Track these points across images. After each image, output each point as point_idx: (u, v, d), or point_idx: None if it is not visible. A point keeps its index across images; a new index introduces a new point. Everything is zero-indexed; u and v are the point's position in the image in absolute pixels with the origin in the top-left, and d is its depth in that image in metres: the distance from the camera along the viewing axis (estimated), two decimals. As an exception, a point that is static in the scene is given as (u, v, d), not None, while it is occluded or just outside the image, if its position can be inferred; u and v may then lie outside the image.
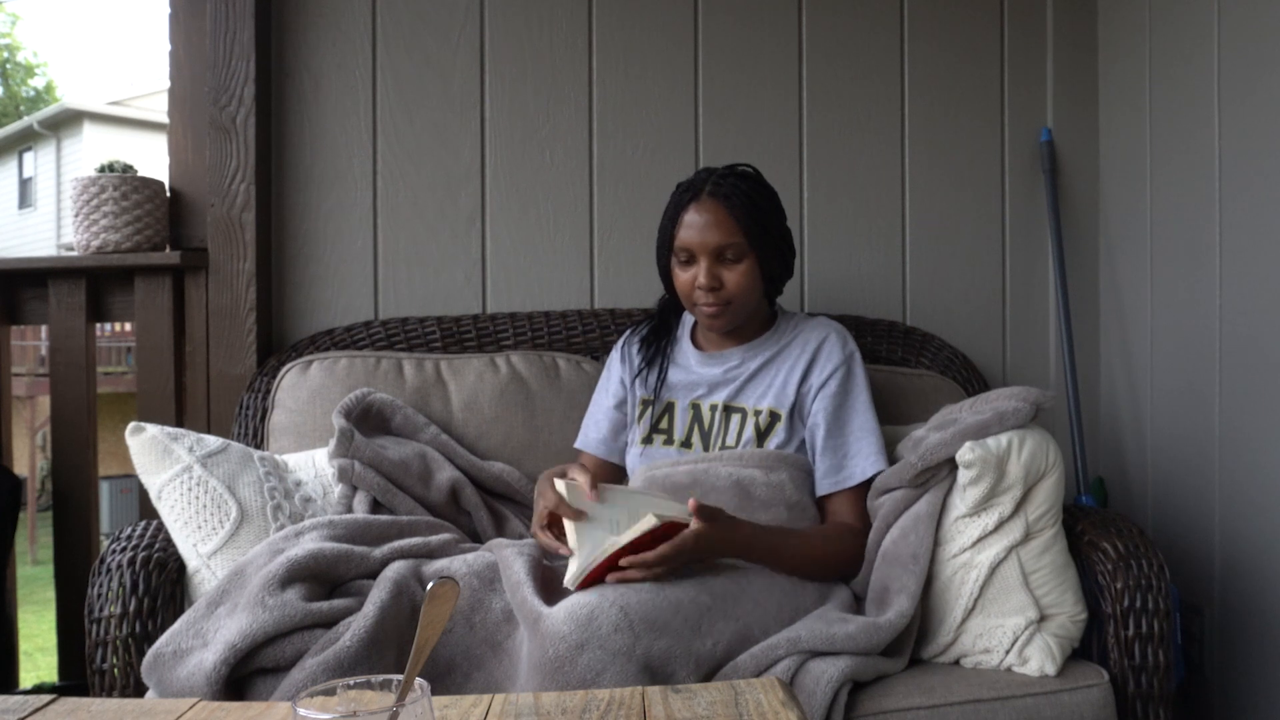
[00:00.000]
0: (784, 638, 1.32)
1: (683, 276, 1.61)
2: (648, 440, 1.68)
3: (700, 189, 1.59)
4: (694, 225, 1.58)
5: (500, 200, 2.08)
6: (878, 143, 2.19)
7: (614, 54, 2.11)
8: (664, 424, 1.68)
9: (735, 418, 1.63)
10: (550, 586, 1.36)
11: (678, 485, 1.57)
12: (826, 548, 1.52)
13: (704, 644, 1.27)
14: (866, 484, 1.59)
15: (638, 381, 1.73)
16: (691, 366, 1.70)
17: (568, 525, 1.39)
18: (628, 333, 1.81)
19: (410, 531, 1.51)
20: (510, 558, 1.37)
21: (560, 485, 1.42)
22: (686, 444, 1.65)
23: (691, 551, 1.35)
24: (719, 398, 1.66)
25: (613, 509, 1.41)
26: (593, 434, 1.77)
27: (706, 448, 1.63)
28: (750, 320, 1.67)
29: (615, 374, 1.77)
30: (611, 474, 1.73)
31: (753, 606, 1.36)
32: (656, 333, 1.76)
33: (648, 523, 1.32)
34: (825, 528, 1.58)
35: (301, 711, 0.74)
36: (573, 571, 1.34)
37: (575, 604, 1.23)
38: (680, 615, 1.27)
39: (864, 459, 1.59)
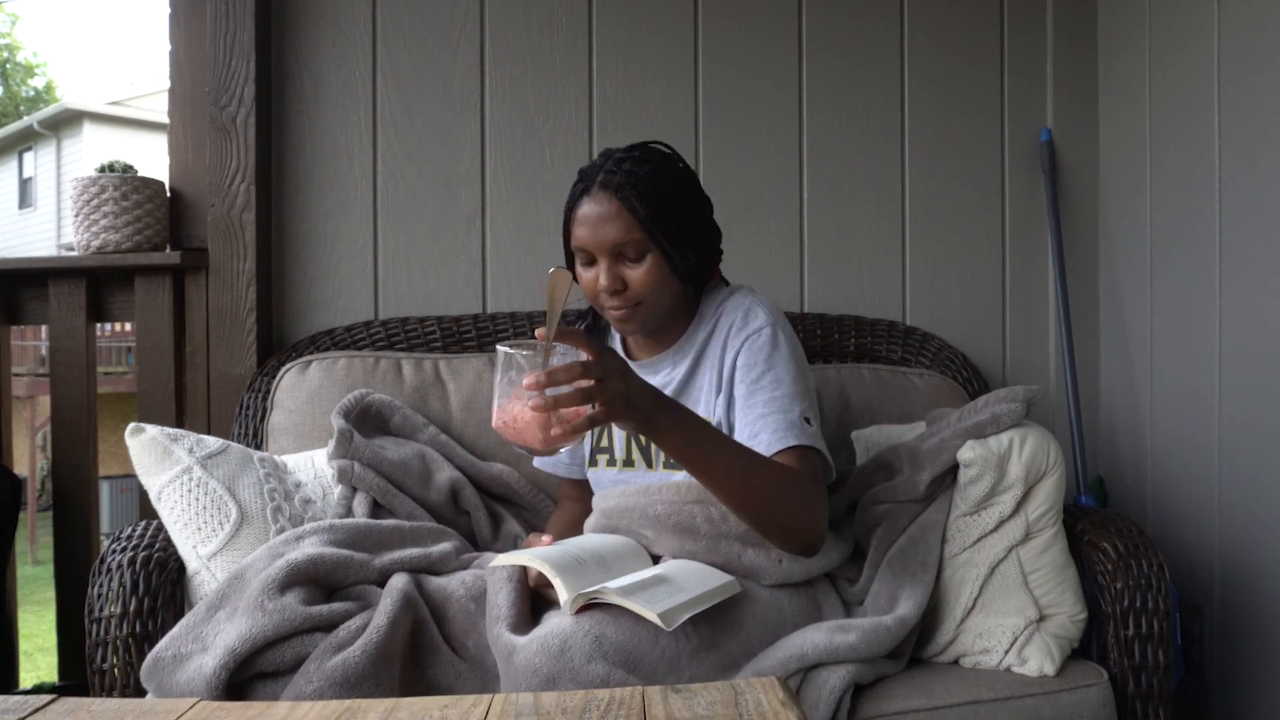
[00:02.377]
0: (791, 654, 1.28)
1: (585, 277, 1.44)
2: (593, 463, 1.59)
3: (593, 179, 1.41)
4: (587, 221, 1.40)
5: (500, 200, 2.08)
6: (878, 143, 2.19)
7: (614, 54, 2.11)
8: (605, 442, 1.57)
9: None
10: (534, 616, 1.28)
11: (619, 515, 1.44)
12: (763, 468, 1.27)
13: (680, 676, 1.21)
14: (788, 452, 1.33)
15: None
16: None
17: (544, 565, 1.25)
18: None
19: (411, 539, 1.48)
20: (497, 584, 1.30)
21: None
22: (629, 462, 1.54)
23: (621, 377, 1.13)
24: None
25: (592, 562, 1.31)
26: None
27: (650, 464, 1.51)
28: (674, 317, 1.49)
29: None
30: (582, 491, 1.66)
31: (735, 632, 1.30)
32: (590, 333, 1.59)
33: (652, 618, 1.15)
34: (766, 458, 1.31)
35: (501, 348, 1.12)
36: (566, 599, 1.21)
37: (548, 634, 1.17)
38: (658, 649, 1.20)
39: (780, 420, 1.35)
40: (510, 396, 1.11)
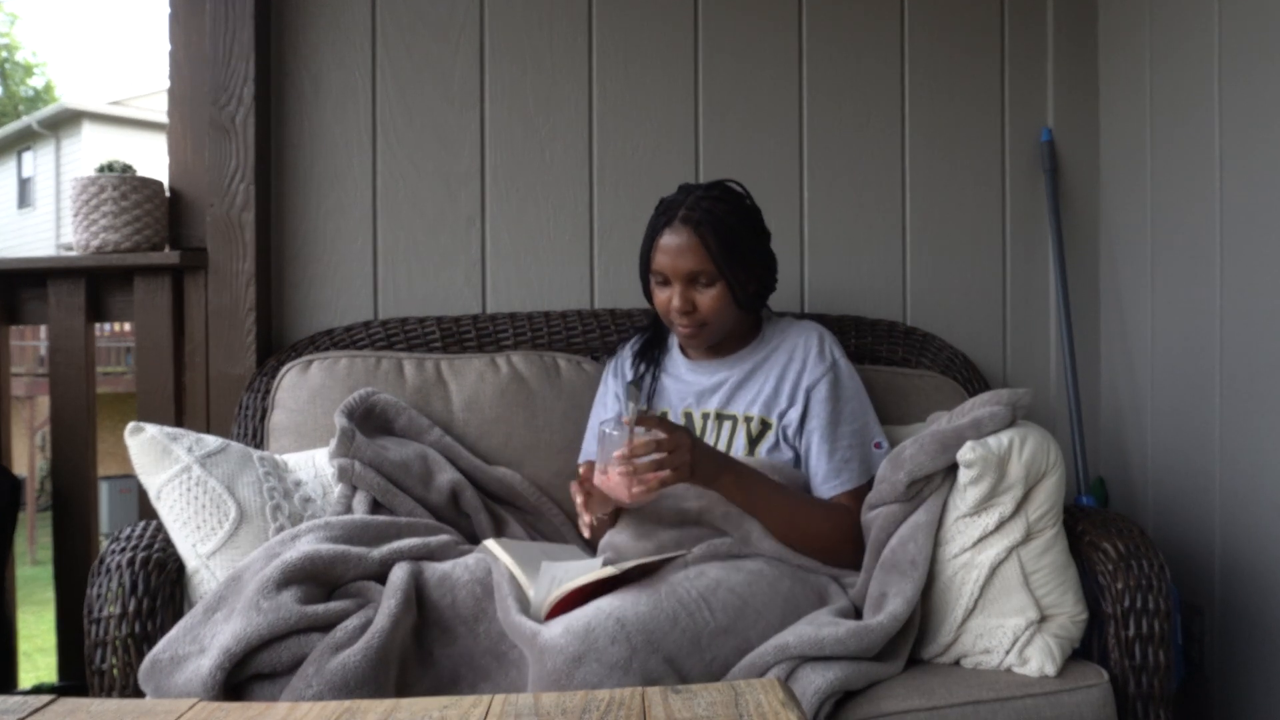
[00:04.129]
0: (772, 645, 1.31)
1: (660, 296, 1.65)
2: None
3: (675, 213, 1.60)
4: (667, 250, 1.60)
5: (500, 200, 2.08)
6: (879, 144, 2.19)
7: (614, 53, 2.11)
8: None
9: (727, 424, 1.65)
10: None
11: (671, 492, 1.55)
12: (815, 512, 1.55)
13: (702, 658, 1.26)
14: (862, 487, 1.60)
15: None
16: (682, 375, 1.73)
17: (507, 558, 1.39)
18: (622, 347, 1.84)
19: (409, 532, 1.50)
20: (499, 576, 1.36)
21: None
22: None
23: (689, 450, 1.41)
24: (710, 405, 1.68)
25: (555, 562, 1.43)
26: (592, 448, 1.78)
27: None
28: (732, 333, 1.69)
29: (610, 388, 1.80)
30: None
31: (755, 619, 1.35)
32: (650, 344, 1.78)
33: (607, 571, 1.32)
34: (819, 500, 1.59)
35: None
36: (535, 599, 1.32)
37: (571, 618, 1.23)
38: (678, 628, 1.26)
39: (859, 464, 1.61)
40: (606, 462, 1.41)
